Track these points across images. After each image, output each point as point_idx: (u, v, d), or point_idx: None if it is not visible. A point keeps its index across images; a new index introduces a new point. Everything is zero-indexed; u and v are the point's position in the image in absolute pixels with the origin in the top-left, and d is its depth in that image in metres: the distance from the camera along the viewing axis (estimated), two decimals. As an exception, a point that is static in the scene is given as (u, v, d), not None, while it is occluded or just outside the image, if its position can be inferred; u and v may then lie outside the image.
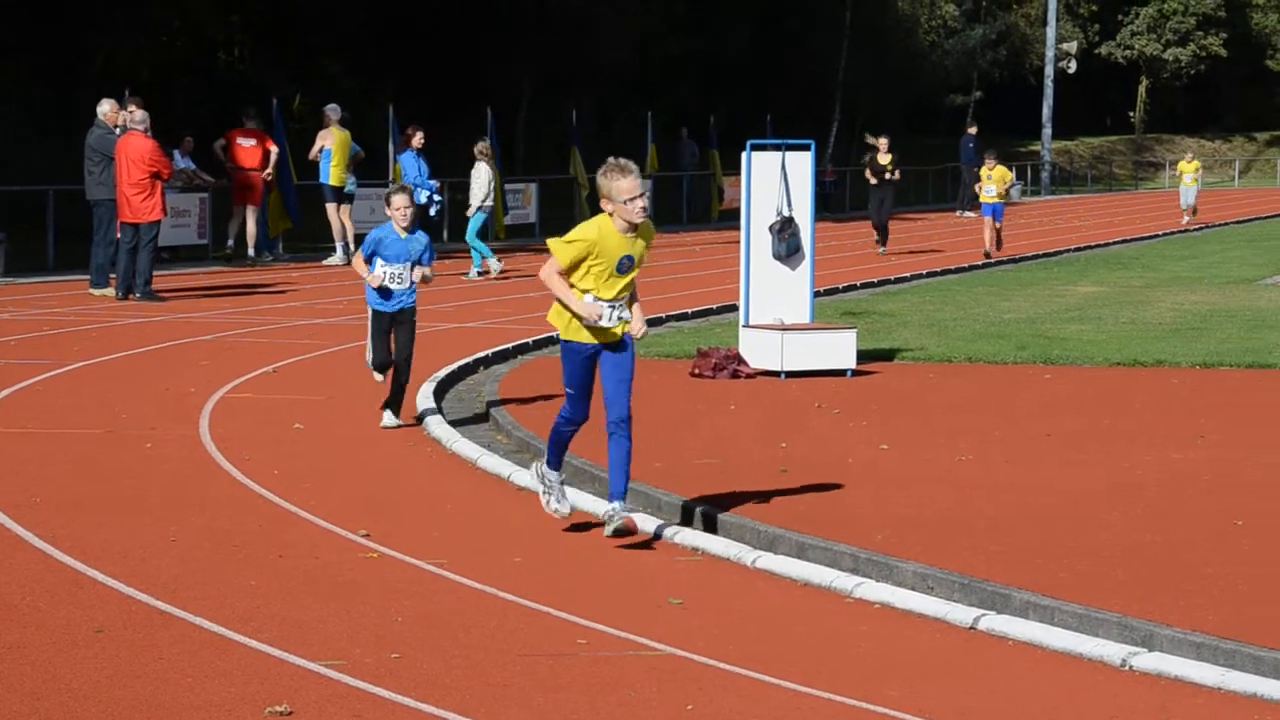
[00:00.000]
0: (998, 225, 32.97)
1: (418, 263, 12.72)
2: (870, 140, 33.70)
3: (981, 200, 33.11)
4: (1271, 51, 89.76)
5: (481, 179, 27.01)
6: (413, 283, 12.75)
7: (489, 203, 27.16)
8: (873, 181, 32.90)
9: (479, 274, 26.60)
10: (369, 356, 13.08)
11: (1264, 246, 37.89)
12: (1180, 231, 44.20)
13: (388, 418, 13.07)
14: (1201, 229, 44.77)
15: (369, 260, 12.65)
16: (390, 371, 12.98)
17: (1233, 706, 6.78)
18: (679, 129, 46.00)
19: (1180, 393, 15.10)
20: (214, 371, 15.79)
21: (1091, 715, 6.68)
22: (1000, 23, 76.34)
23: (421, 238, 12.83)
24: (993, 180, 32.75)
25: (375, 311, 12.82)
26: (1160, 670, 7.15)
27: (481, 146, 27.58)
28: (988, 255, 32.40)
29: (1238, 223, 49.71)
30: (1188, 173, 46.32)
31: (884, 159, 32.80)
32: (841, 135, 63.84)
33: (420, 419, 13.22)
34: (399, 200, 12.69)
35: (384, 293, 12.65)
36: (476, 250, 26.79)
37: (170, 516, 9.82)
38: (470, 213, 27.04)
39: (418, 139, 27.22)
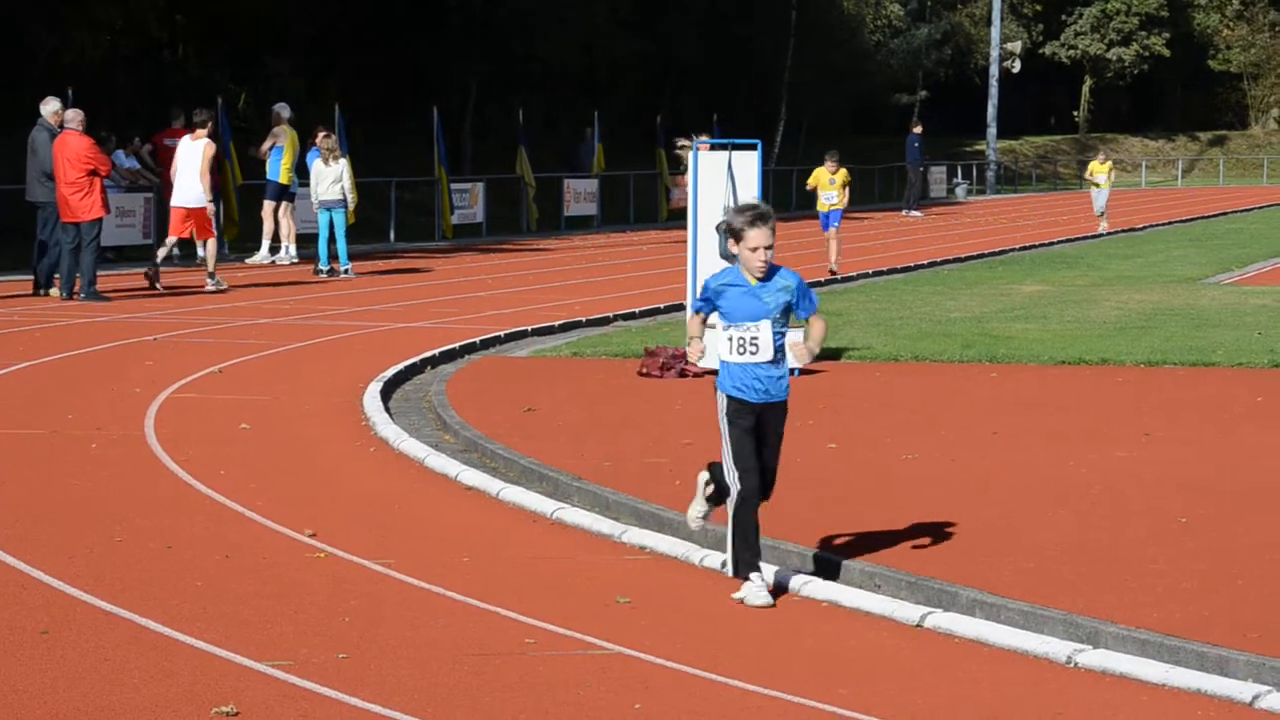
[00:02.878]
0: (834, 233, 27.21)
1: (785, 317, 8.42)
2: (682, 143, 29.65)
3: (818, 208, 27.31)
4: (1213, 51, 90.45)
5: (319, 175, 26.41)
6: (781, 355, 8.38)
7: (327, 197, 26.27)
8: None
9: (325, 272, 26.30)
10: (729, 477, 8.37)
11: (1207, 246, 38.15)
12: (1125, 230, 44.44)
13: (753, 589, 8.20)
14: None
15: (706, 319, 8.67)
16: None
17: (1177, 703, 6.83)
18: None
19: (1124, 391, 15.19)
20: (159, 372, 15.71)
21: (1038, 712, 6.71)
22: (945, 22, 76.73)
23: (788, 279, 8.44)
24: (835, 185, 26.98)
25: (734, 403, 8.36)
26: (1105, 667, 7.19)
27: (328, 143, 26.58)
28: (833, 272, 27.31)
29: (1181, 222, 50.04)
30: (1099, 173, 41.75)
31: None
32: (788, 134, 64.00)
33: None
34: (757, 235, 8.32)
35: (772, 356, 8.28)
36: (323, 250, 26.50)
37: (116, 517, 9.77)
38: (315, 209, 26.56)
39: (321, 137, 26.94)
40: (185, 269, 27.61)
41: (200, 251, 24.68)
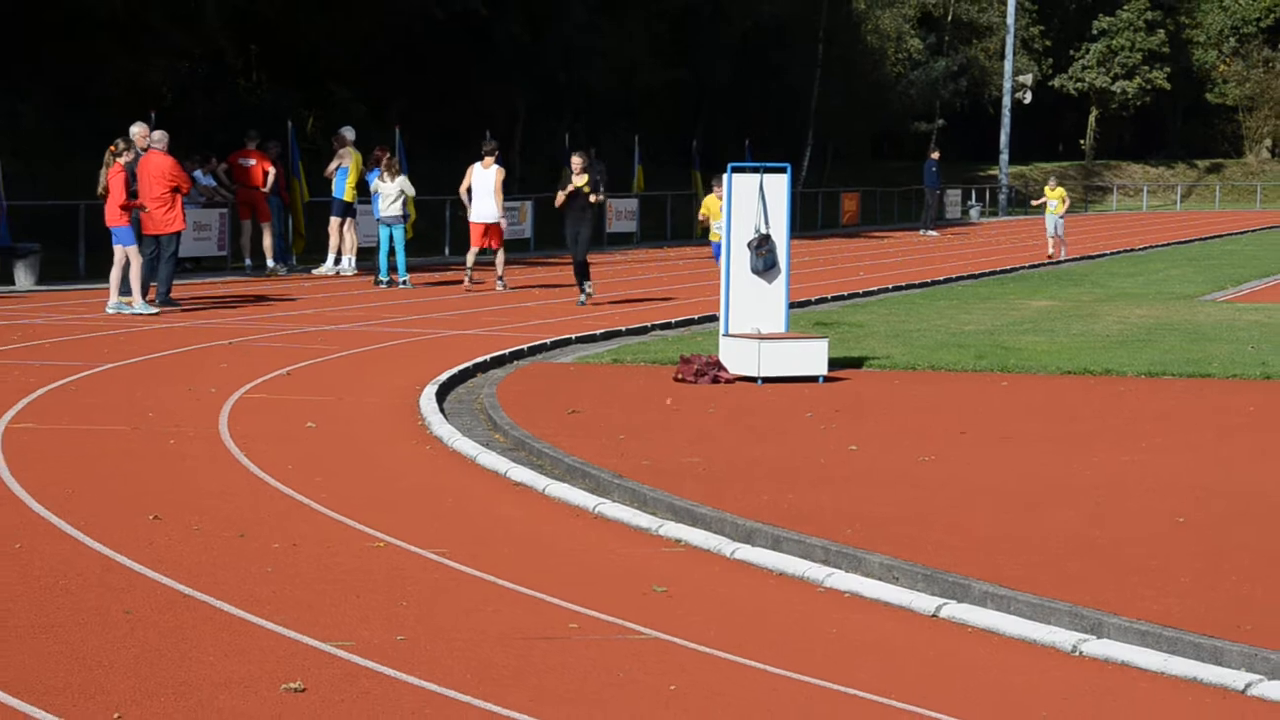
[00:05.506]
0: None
1: None
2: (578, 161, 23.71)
3: (711, 239, 22.36)
4: (1211, 85, 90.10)
5: (381, 193, 26.37)
6: None
7: (387, 214, 26.25)
8: (566, 206, 23.61)
9: (385, 283, 26.35)
10: None
11: (1204, 265, 37.97)
12: (1127, 250, 44.26)
13: None
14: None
15: None
16: None
17: (1174, 690, 6.81)
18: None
19: (1127, 400, 15.14)
20: (233, 374, 15.77)
21: (1045, 697, 6.70)
22: (962, 56, 76.53)
23: None
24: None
25: None
26: (1108, 656, 7.17)
27: (388, 161, 26.74)
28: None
29: (1180, 243, 49.81)
30: (1052, 199, 37.80)
31: (579, 180, 23.28)
32: (815, 158, 63.94)
33: None
34: None
35: None
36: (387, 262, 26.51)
37: (192, 507, 9.82)
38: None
39: (387, 160, 27.00)
40: (254, 279, 27.71)
41: (496, 258, 26.67)
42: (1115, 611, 7.51)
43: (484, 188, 25.83)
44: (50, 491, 10.17)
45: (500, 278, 26.47)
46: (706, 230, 22.94)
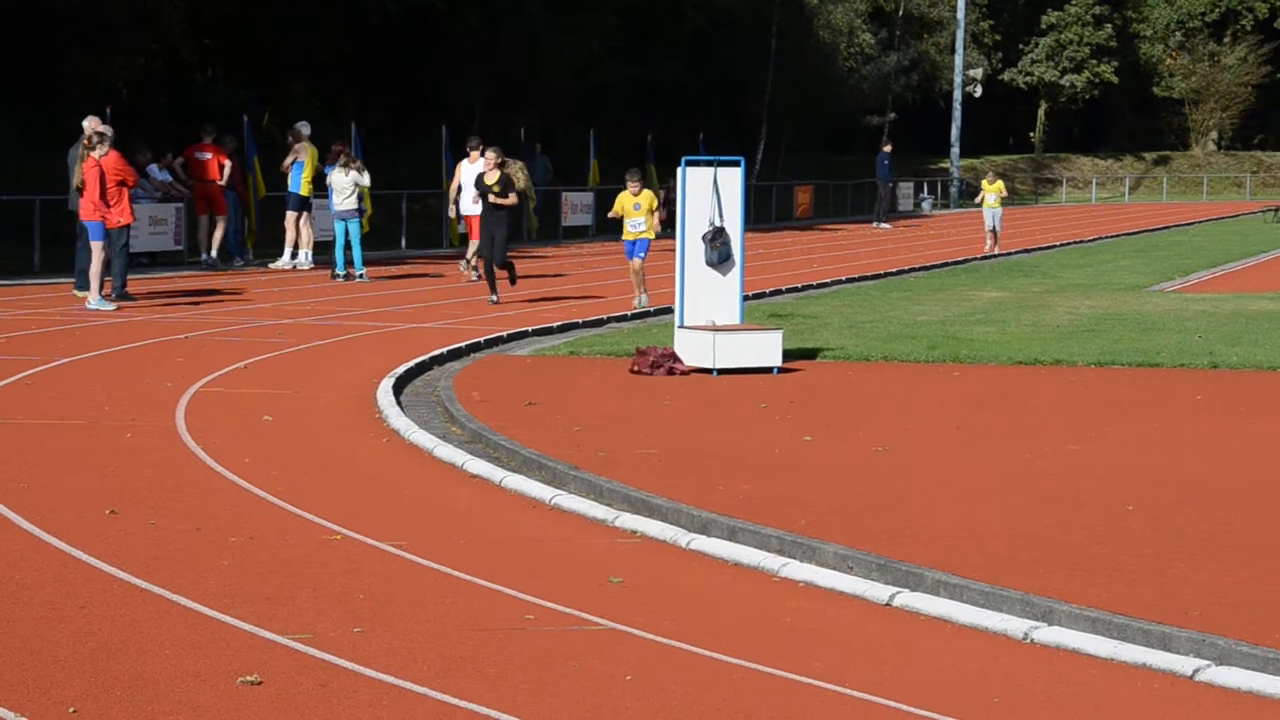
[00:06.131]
0: (640, 264, 21.54)
1: None
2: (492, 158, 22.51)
3: (623, 237, 21.21)
4: (1158, 79, 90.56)
5: (336, 187, 26.15)
6: None
7: (343, 208, 26.02)
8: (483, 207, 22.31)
9: (342, 276, 26.26)
10: None
11: (1152, 256, 38.16)
12: (1076, 242, 44.44)
13: None
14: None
15: None
16: None
17: (1125, 676, 6.83)
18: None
19: (1076, 389, 15.19)
20: (189, 367, 15.68)
21: (997, 684, 6.71)
22: (913, 50, 76.74)
23: None
24: (640, 210, 20.80)
25: None
26: (1059, 643, 7.19)
27: (345, 156, 26.56)
28: (640, 306, 22.00)
29: (1128, 234, 50.07)
30: (990, 193, 36.99)
31: (490, 178, 21.88)
32: (768, 152, 64.02)
33: None
34: None
35: None
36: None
37: (148, 501, 9.75)
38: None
39: (348, 158, 26.93)
40: (211, 273, 27.56)
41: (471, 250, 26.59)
42: (1066, 599, 7.53)
43: (470, 182, 25.92)
44: (6, 486, 10.08)
45: (474, 266, 25.69)
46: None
